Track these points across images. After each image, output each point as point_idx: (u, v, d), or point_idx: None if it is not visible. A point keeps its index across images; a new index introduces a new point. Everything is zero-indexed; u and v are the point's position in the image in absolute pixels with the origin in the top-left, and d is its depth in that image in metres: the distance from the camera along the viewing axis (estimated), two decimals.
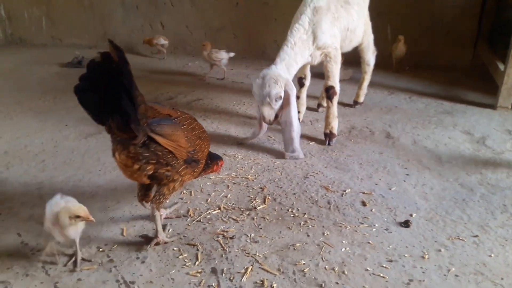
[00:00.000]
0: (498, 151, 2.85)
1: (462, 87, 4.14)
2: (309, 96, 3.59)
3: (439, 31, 4.78)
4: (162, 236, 1.98)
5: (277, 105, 2.69)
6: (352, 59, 3.88)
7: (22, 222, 2.19)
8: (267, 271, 1.81)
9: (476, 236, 2.00)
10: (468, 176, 2.54)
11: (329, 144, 3.00)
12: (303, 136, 3.16)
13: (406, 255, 1.88)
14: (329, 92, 2.95)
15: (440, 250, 1.90)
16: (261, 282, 1.75)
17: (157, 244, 1.98)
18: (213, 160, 2.19)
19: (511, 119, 3.40)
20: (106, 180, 2.60)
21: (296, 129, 2.77)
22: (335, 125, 3.02)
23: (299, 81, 3.32)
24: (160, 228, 1.97)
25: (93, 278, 1.80)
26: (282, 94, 2.65)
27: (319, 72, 3.41)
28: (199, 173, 2.10)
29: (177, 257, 1.91)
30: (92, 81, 1.64)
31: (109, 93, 1.63)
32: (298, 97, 3.34)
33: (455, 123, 3.33)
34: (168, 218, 2.19)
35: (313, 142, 3.07)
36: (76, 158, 2.91)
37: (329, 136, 3.02)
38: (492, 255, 1.87)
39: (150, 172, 1.82)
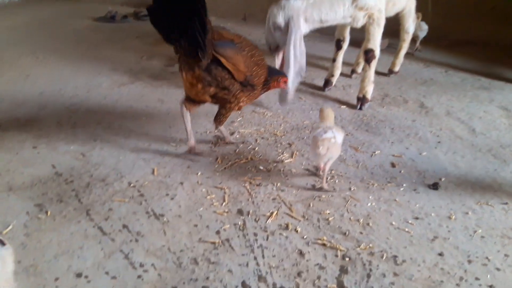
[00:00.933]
0: None
1: (502, 65, 3.98)
2: (343, 63, 3.53)
3: (483, 7, 4.59)
4: (230, 138, 2.42)
5: (276, 34, 2.65)
6: (389, 29, 3.77)
7: (57, 156, 2.28)
8: (292, 216, 1.84)
9: (506, 203, 1.96)
10: (502, 148, 2.47)
11: (360, 108, 2.97)
12: (334, 100, 3.14)
13: (432, 214, 1.87)
14: (368, 55, 2.89)
15: (467, 213, 1.88)
16: (285, 225, 1.78)
17: (228, 143, 2.42)
18: (272, 77, 2.25)
19: None
20: (137, 125, 2.65)
21: (297, 69, 2.63)
22: (369, 90, 2.97)
23: (337, 43, 3.24)
24: (227, 134, 2.43)
25: (124, 209, 1.86)
26: (281, 25, 2.58)
27: (353, 40, 3.34)
28: (255, 97, 2.24)
29: (205, 197, 1.95)
30: (165, 2, 1.74)
31: (181, 16, 1.73)
32: (334, 60, 3.28)
33: (491, 99, 3.23)
34: (197, 154, 2.27)
35: (344, 106, 3.04)
36: (108, 103, 2.97)
37: (361, 100, 2.97)
38: None
39: (212, 93, 2.03)
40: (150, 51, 4.25)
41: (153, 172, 2.14)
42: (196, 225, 1.77)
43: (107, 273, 1.53)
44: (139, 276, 1.51)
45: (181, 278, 1.50)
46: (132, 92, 3.20)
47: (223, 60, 1.92)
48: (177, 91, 3.19)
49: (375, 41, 2.85)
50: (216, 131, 2.41)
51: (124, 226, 1.75)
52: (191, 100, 2.13)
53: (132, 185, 2.03)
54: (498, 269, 1.58)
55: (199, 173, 2.14)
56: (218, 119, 2.21)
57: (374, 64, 2.91)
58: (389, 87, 3.40)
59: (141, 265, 1.55)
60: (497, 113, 2.97)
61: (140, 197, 1.94)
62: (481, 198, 2.00)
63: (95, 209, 1.86)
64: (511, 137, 2.61)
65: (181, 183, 2.05)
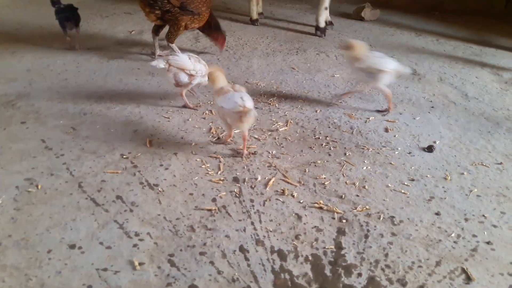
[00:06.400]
0: None
1: (493, 32, 3.96)
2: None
3: None
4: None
5: None
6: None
7: (46, 131, 2.22)
8: (288, 182, 1.83)
9: (500, 163, 1.97)
10: (494, 111, 2.48)
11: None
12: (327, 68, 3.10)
13: (428, 176, 1.87)
14: None
15: (463, 174, 1.89)
16: (282, 191, 1.77)
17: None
18: (219, 34, 3.12)
19: None
20: (129, 98, 2.59)
21: None
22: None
23: None
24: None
25: (117, 180, 1.83)
26: None
27: None
28: (201, 24, 3.02)
29: (200, 167, 1.93)
30: None
31: None
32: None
33: (483, 65, 3.21)
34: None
35: (337, 75, 3.00)
36: (99, 78, 2.90)
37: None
38: None
39: (158, 16, 2.89)
40: (139, 24, 4.14)
41: (145, 144, 2.10)
42: (191, 194, 1.75)
43: (101, 243, 1.51)
44: (134, 245, 1.49)
45: (178, 245, 1.49)
46: (122, 66, 3.12)
47: None
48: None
49: None
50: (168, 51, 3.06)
51: (118, 197, 1.73)
52: (158, 27, 3.05)
53: (124, 156, 2.00)
54: (495, 226, 1.59)
55: (192, 144, 2.11)
56: (168, 36, 2.98)
57: None
58: None
59: (137, 234, 1.54)
60: (489, 78, 2.96)
61: (134, 168, 1.92)
62: (476, 159, 2.00)
63: (87, 181, 1.83)
64: (503, 101, 2.61)
65: (175, 154, 2.02)
